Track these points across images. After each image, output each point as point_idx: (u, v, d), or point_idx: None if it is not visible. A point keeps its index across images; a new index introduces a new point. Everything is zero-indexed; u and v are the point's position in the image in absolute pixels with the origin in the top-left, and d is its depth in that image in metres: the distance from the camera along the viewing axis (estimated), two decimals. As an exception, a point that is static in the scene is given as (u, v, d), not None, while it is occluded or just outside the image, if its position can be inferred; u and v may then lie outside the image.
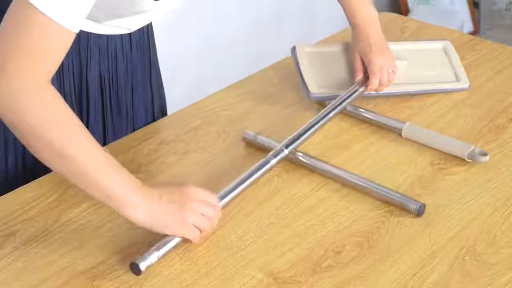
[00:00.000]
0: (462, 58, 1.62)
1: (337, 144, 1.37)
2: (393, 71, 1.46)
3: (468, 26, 3.57)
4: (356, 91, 1.44)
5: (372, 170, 1.30)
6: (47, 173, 1.25)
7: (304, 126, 1.32)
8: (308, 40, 1.79)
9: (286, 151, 1.27)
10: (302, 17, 3.08)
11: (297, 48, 1.54)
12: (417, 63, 1.57)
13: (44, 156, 1.04)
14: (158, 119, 1.46)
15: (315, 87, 1.47)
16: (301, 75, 1.49)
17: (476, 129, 1.42)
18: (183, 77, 2.57)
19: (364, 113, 1.44)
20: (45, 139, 1.01)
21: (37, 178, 1.26)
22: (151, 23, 1.40)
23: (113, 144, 1.35)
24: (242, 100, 1.50)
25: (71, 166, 1.03)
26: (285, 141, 1.28)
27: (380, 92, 1.48)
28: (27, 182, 1.25)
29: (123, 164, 1.28)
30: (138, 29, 1.35)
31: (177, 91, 2.14)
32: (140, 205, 1.07)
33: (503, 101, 1.51)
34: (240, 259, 1.11)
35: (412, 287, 1.06)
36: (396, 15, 1.92)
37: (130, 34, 1.34)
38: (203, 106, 1.48)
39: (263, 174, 1.23)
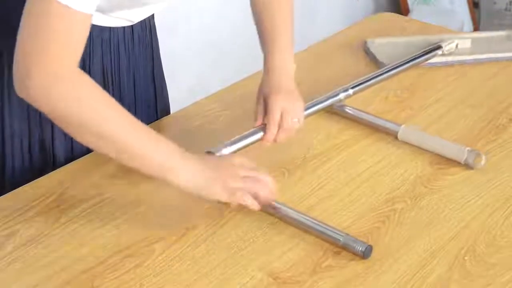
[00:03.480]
0: (462, 58, 1.63)
1: (334, 146, 1.36)
2: (298, 120, 1.28)
3: (468, 26, 3.56)
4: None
5: (371, 170, 1.30)
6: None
7: (368, 75, 1.50)
8: (308, 40, 1.79)
9: (351, 91, 1.44)
10: (302, 17, 3.07)
11: None
12: (480, 42, 1.69)
13: (83, 139, 1.08)
14: (161, 118, 1.46)
15: None
16: None
17: (476, 129, 1.42)
18: (183, 77, 2.56)
19: (360, 114, 1.43)
20: (80, 123, 1.05)
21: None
22: (153, 20, 1.41)
23: (113, 144, 1.35)
24: (243, 100, 1.50)
25: (111, 145, 1.07)
26: (351, 83, 1.45)
27: (450, 59, 1.62)
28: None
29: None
30: (140, 24, 1.34)
31: (177, 91, 2.13)
32: (180, 168, 1.09)
33: (503, 101, 1.51)
34: (240, 259, 1.11)
35: (412, 287, 1.06)
36: (396, 15, 1.92)
37: (132, 28, 1.33)
38: (203, 106, 1.48)
39: (327, 106, 1.41)
